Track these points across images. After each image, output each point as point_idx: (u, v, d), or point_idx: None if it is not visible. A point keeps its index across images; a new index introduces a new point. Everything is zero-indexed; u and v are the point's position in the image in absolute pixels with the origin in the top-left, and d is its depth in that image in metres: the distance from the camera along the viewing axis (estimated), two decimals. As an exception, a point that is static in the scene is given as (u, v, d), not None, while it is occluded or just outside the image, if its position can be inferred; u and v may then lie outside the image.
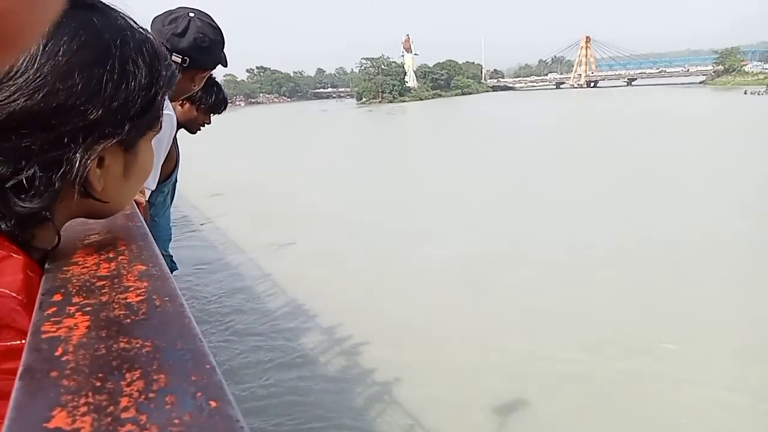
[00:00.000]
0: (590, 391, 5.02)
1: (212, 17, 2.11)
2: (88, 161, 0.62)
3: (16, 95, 0.57)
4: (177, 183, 2.62)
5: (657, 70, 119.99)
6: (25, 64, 0.58)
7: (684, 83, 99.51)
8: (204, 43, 2.03)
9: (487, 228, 10.42)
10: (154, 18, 2.02)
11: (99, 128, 0.62)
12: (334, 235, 10.48)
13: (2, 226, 0.60)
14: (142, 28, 0.71)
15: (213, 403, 0.34)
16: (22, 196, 0.60)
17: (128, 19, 0.69)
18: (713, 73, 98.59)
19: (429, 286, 7.76)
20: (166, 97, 0.79)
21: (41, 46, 0.59)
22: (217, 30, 2.09)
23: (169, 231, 2.61)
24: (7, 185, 0.59)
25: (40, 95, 0.58)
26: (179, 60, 1.99)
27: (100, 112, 0.62)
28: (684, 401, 4.84)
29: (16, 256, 0.59)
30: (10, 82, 0.58)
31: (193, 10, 2.06)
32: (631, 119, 30.73)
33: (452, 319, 6.67)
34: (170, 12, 2.03)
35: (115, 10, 0.68)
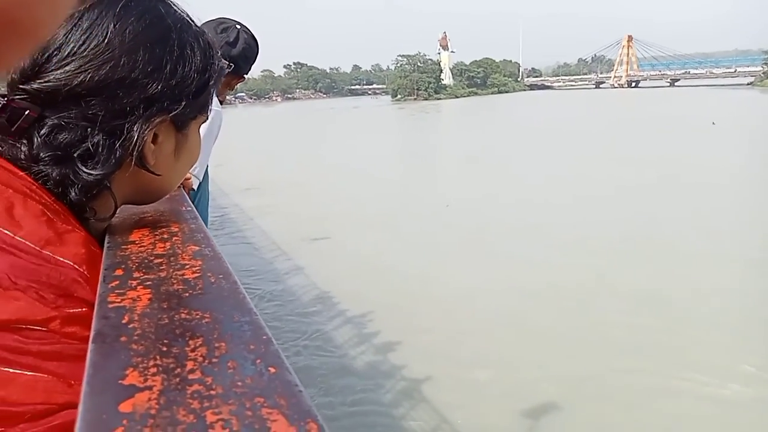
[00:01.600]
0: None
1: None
2: (146, 131, 0.68)
3: (86, 65, 0.64)
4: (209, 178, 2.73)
5: (702, 71, 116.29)
6: (96, 38, 0.64)
7: (731, 84, 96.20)
8: (249, 53, 2.32)
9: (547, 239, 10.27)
10: (203, 24, 2.18)
11: (158, 102, 0.68)
12: (369, 232, 10.54)
13: (71, 194, 0.64)
14: (196, 23, 0.77)
15: (272, 369, 0.36)
16: (88, 163, 0.65)
17: (185, 13, 0.75)
18: (762, 75, 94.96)
19: (463, 287, 7.72)
20: (214, 93, 0.85)
21: (112, 24, 0.65)
22: (257, 42, 2.41)
23: (207, 219, 2.71)
24: (75, 153, 0.64)
25: (108, 67, 0.64)
26: (226, 65, 2.19)
27: (159, 87, 0.68)
28: None
29: (78, 231, 0.62)
30: (83, 54, 0.64)
31: (237, 22, 2.36)
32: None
33: (497, 330, 6.56)
34: (220, 21, 2.29)
35: (175, 3, 0.74)
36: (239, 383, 0.35)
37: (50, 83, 0.63)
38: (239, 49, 2.28)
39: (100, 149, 0.65)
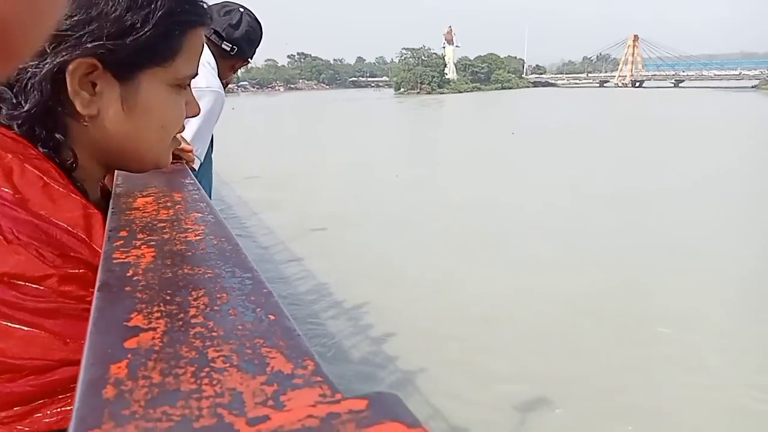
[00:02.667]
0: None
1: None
2: (51, 72, 0.64)
3: None
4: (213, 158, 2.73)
5: (707, 73, 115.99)
6: None
7: (735, 87, 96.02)
8: (253, 36, 2.31)
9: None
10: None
11: (66, 37, 0.63)
12: (365, 222, 10.55)
13: (15, 126, 0.65)
14: None
15: (272, 317, 0.38)
16: (20, 98, 0.65)
17: None
18: (766, 78, 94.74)
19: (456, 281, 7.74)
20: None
21: None
22: (261, 26, 2.39)
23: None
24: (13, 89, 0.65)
25: None
26: (229, 48, 2.24)
27: (67, 20, 0.62)
28: None
29: (75, 196, 0.63)
30: None
31: (241, 5, 2.36)
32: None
33: (492, 323, 6.60)
34: (224, 4, 2.30)
35: None
36: (239, 327, 0.36)
37: None
38: (242, 31, 2.27)
39: (28, 87, 0.64)
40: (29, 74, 0.64)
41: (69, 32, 0.63)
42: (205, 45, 0.83)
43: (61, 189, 0.62)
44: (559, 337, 5.85)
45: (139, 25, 0.65)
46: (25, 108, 0.65)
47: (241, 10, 2.32)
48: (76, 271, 0.56)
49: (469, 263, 8.16)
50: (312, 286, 7.41)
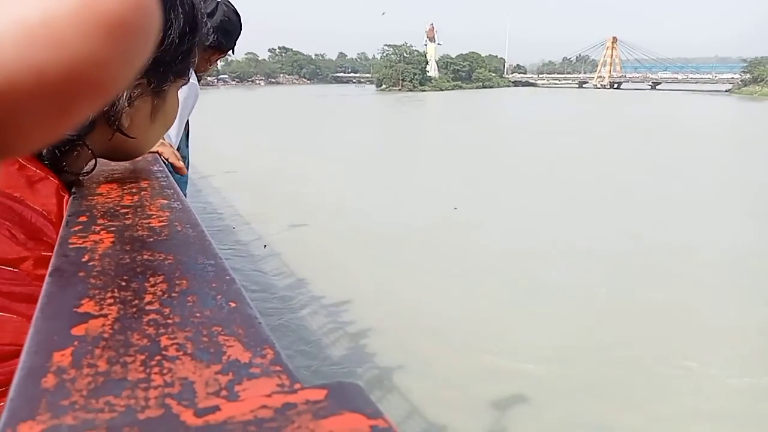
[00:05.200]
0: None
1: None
2: (121, 99, 0.66)
3: None
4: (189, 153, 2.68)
5: (683, 76, 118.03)
6: None
7: (710, 90, 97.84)
8: (229, 26, 2.24)
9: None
10: None
11: None
12: (344, 218, 10.51)
13: (43, 151, 0.63)
14: None
15: (233, 304, 0.36)
16: None
17: None
18: (740, 82, 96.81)
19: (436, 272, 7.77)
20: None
21: None
22: (239, 18, 2.33)
23: (185, 191, 2.67)
24: None
25: None
26: (209, 31, 2.16)
27: None
28: None
29: (51, 179, 0.61)
30: None
31: None
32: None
33: (464, 309, 6.66)
34: None
35: None
36: (197, 314, 0.34)
37: None
38: (217, 20, 2.20)
39: None
40: None
41: None
42: None
43: (38, 171, 0.60)
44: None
45: (185, 45, 0.71)
46: (73, 133, 0.64)
47: (218, 0, 2.25)
48: (50, 254, 0.54)
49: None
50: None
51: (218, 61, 2.63)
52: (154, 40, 0.13)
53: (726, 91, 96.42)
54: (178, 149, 2.34)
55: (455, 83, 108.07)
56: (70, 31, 0.11)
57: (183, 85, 0.81)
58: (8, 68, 0.11)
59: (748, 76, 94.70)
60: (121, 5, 0.12)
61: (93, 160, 0.70)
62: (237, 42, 2.44)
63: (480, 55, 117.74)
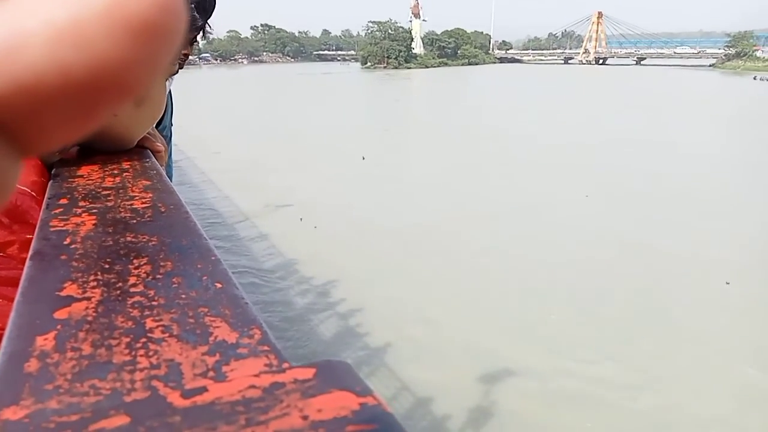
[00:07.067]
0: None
1: None
2: None
3: None
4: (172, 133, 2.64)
5: (668, 51, 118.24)
6: None
7: (694, 65, 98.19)
8: (206, 4, 2.17)
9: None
10: None
11: None
12: (332, 199, 10.48)
13: None
14: None
15: (218, 284, 0.35)
16: None
17: None
18: (723, 57, 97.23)
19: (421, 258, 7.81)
20: None
21: None
22: None
23: (171, 176, 2.65)
24: None
25: None
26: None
27: None
28: None
29: (32, 159, 0.60)
30: None
31: None
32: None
33: (449, 295, 6.70)
34: None
35: None
36: (183, 296, 0.34)
37: None
38: None
39: None
40: None
41: None
42: None
43: None
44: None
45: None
46: None
47: None
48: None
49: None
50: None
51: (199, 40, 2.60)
52: (179, 42, 0.13)
53: (709, 66, 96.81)
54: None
55: (441, 60, 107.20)
56: (97, 32, 0.12)
57: (174, 72, 0.80)
58: (36, 67, 0.11)
59: (731, 51, 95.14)
60: (148, 7, 0.12)
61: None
62: (211, 17, 2.39)
63: (465, 31, 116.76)
